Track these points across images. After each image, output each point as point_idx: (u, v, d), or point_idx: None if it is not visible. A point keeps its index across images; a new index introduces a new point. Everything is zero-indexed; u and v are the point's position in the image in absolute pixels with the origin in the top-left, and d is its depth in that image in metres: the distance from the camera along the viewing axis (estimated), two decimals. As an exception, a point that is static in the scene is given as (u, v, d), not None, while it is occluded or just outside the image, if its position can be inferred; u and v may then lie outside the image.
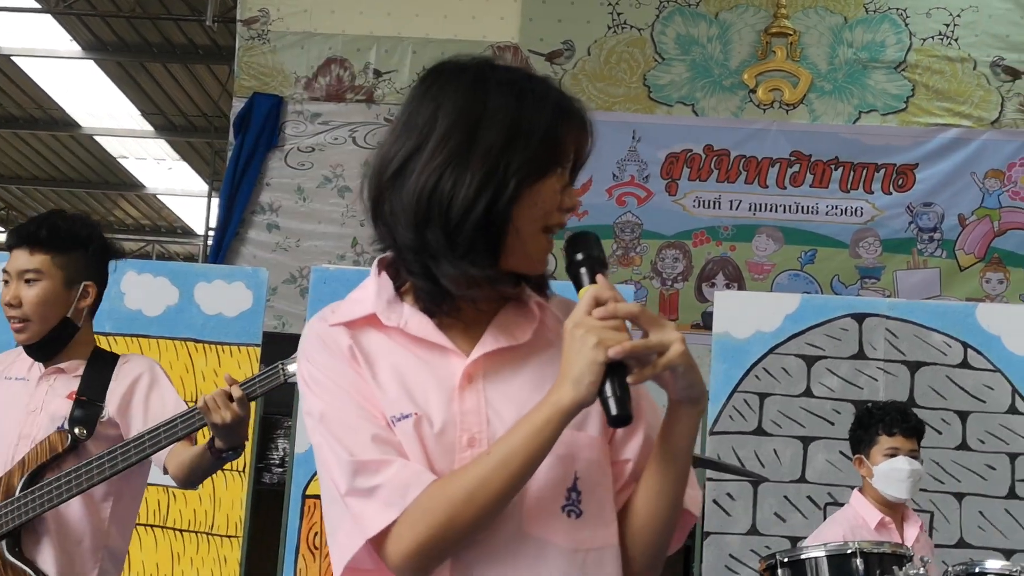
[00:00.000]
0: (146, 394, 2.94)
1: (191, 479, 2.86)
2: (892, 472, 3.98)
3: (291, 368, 2.59)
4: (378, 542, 1.48)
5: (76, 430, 2.80)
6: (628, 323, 1.49)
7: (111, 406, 2.88)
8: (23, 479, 2.79)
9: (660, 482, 1.57)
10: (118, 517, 2.94)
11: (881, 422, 4.05)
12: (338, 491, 1.51)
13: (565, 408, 1.46)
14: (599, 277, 1.52)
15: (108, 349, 3.11)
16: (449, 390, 1.55)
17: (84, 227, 3.00)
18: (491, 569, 1.50)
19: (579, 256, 1.55)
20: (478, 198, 1.49)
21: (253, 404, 5.33)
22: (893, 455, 4.00)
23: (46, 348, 2.93)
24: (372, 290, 1.61)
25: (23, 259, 2.90)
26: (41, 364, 2.96)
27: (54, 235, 2.92)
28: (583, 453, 1.57)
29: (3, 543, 2.80)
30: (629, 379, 1.46)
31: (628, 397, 1.46)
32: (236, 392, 2.61)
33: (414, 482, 1.48)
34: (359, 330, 1.58)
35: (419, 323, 1.57)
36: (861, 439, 4.10)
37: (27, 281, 2.89)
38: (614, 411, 1.45)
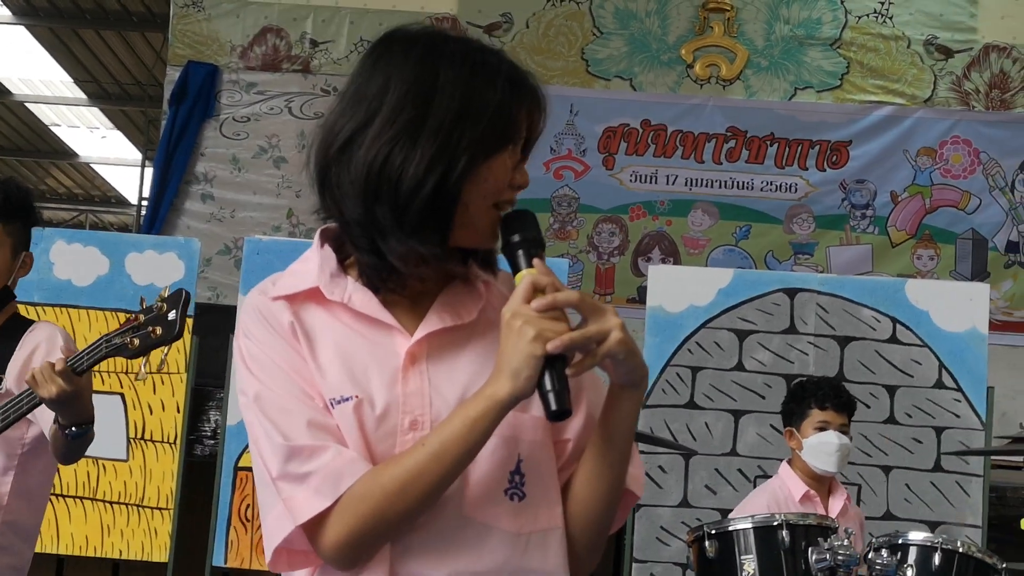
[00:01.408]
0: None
1: (58, 456, 2.80)
2: (821, 445, 4.03)
3: (116, 341, 2.57)
4: (309, 530, 1.46)
5: None
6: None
7: (10, 377, 2.82)
8: None
9: (599, 464, 1.55)
10: (23, 491, 2.88)
11: (814, 396, 4.10)
12: (269, 474, 1.48)
13: (502, 401, 1.44)
14: (536, 261, 1.49)
15: (37, 319, 3.04)
16: (392, 371, 1.52)
17: (28, 196, 2.98)
18: (431, 555, 1.49)
19: (516, 238, 1.52)
20: (428, 175, 1.46)
21: (183, 376, 5.31)
22: (823, 429, 4.04)
23: None
24: (315, 263, 1.56)
25: None
26: None
27: (10, 203, 2.88)
28: (527, 435, 1.55)
29: None
30: (568, 371, 1.44)
31: (567, 390, 1.44)
32: (59, 365, 2.54)
33: (347, 471, 1.46)
34: (301, 305, 1.55)
35: (363, 299, 1.54)
36: (793, 412, 4.15)
37: None
38: (553, 407, 1.44)
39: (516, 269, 1.51)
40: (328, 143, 1.52)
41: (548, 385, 1.43)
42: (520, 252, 1.51)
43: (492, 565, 1.50)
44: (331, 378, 1.50)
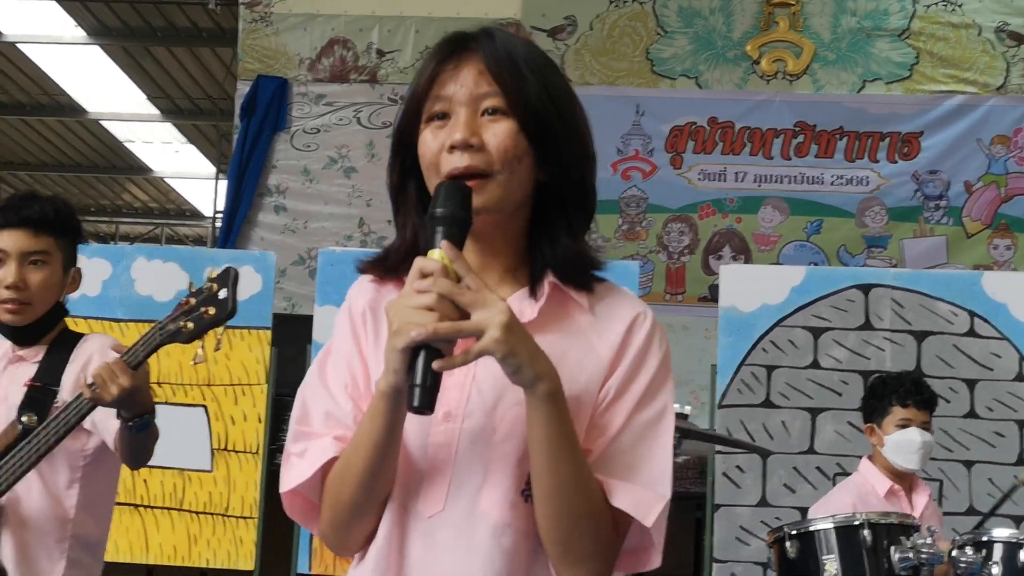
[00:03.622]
0: None
1: (124, 455, 2.76)
2: (904, 443, 4.00)
3: (169, 327, 2.53)
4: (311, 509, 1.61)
5: (24, 418, 2.72)
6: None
7: (65, 390, 2.80)
8: None
9: (533, 469, 1.50)
10: (88, 503, 2.87)
11: (895, 393, 4.06)
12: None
13: (382, 392, 1.46)
14: (444, 244, 1.44)
15: (121, 336, 3.08)
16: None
17: (75, 212, 3.00)
18: (440, 549, 1.52)
19: (437, 211, 1.48)
20: (392, 171, 1.62)
21: (263, 387, 5.39)
22: (905, 426, 4.01)
23: (34, 332, 2.90)
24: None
25: (26, 240, 2.85)
26: (6, 353, 2.92)
27: (60, 218, 2.90)
28: None
29: None
30: (435, 365, 1.39)
31: (434, 386, 1.40)
32: (116, 364, 2.54)
33: (328, 453, 1.55)
34: (387, 286, 1.62)
35: None
36: (874, 408, 4.11)
37: (32, 263, 2.85)
38: (414, 402, 1.40)
39: (431, 246, 1.47)
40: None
41: (414, 378, 1.40)
42: (438, 229, 1.47)
43: (502, 564, 1.51)
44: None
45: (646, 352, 1.57)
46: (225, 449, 5.46)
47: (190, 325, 2.51)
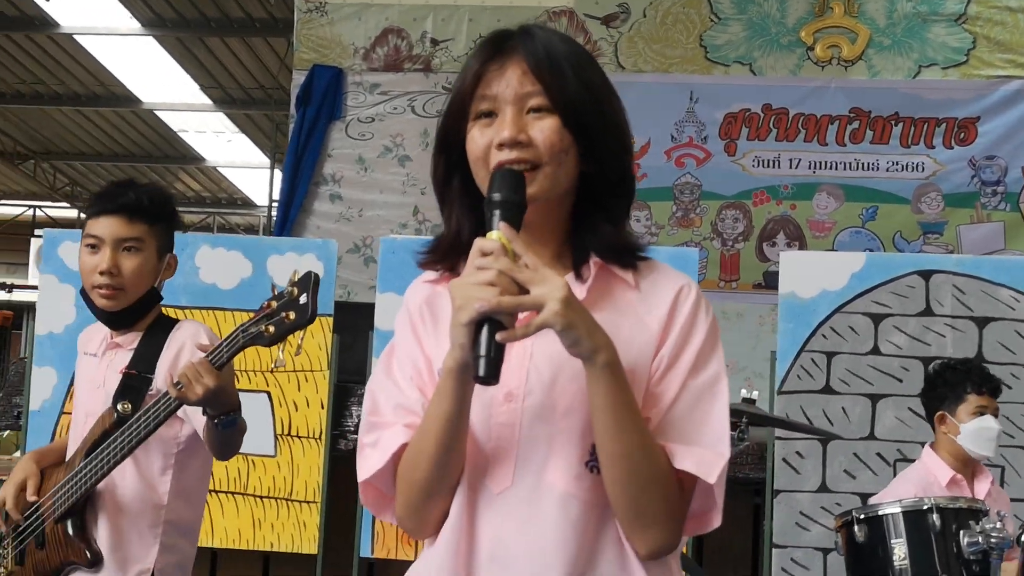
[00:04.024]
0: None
1: (214, 450, 2.81)
2: (982, 431, 3.99)
3: (252, 330, 2.55)
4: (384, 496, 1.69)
5: (120, 406, 2.77)
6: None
7: (159, 378, 2.84)
8: (83, 457, 2.79)
9: (597, 437, 1.56)
10: (183, 490, 2.91)
11: (969, 380, 4.05)
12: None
13: (450, 370, 1.52)
14: (502, 225, 1.52)
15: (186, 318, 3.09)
16: None
17: (171, 199, 3.04)
18: (511, 521, 1.58)
19: (495, 196, 1.56)
20: (437, 164, 1.68)
21: (326, 373, 5.46)
22: (982, 413, 4.01)
23: (128, 317, 2.93)
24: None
25: (120, 227, 2.89)
26: (105, 339, 2.97)
27: (154, 205, 2.93)
28: None
29: (69, 521, 2.82)
30: (498, 336, 1.45)
31: (498, 357, 1.46)
32: (201, 364, 2.58)
33: (399, 439, 1.62)
34: (441, 285, 1.69)
35: None
36: (945, 396, 4.08)
37: (126, 249, 2.88)
38: (479, 372, 1.46)
39: (489, 228, 1.54)
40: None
41: (479, 350, 1.46)
42: (495, 212, 1.54)
43: (571, 534, 1.56)
44: (445, 348, 1.57)
45: (693, 321, 1.63)
46: (289, 434, 5.53)
47: (271, 329, 2.53)
